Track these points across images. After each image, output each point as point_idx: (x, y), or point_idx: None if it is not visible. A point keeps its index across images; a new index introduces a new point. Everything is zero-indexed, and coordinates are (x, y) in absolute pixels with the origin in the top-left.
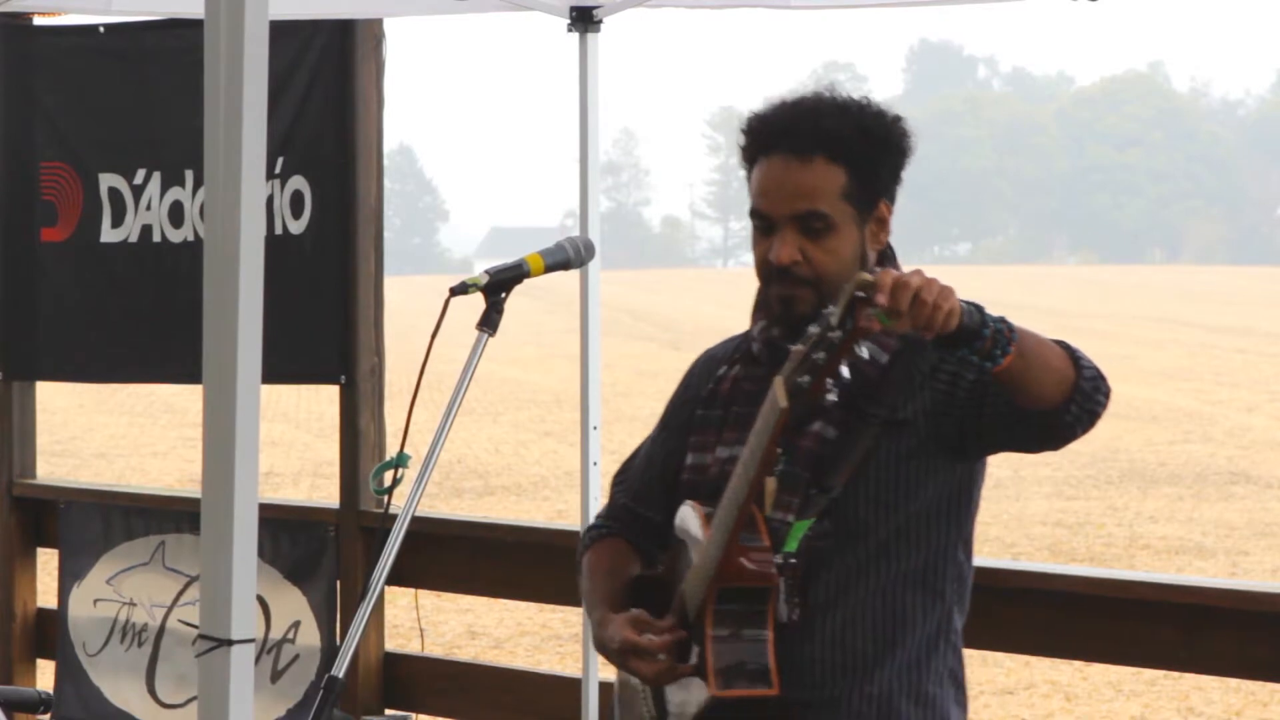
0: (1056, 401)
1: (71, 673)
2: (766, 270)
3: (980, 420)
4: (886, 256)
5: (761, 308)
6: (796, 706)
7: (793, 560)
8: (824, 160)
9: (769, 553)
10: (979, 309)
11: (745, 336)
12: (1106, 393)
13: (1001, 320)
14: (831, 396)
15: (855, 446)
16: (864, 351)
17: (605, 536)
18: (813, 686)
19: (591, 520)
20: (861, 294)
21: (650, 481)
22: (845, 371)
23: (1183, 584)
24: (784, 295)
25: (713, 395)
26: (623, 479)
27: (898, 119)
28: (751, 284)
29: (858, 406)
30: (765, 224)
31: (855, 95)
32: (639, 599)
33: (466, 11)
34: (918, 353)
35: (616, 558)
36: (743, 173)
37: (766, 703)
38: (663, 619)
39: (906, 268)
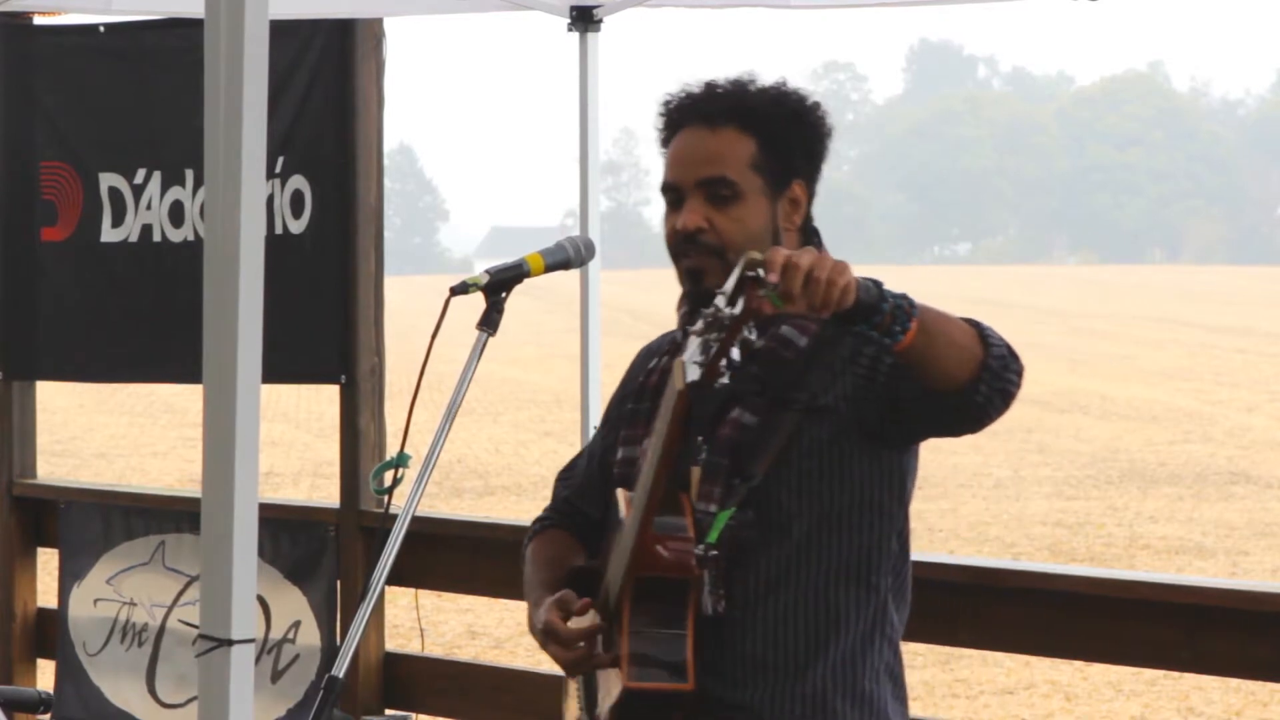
0: (964, 381)
1: (71, 673)
2: (674, 241)
3: (898, 404)
4: (812, 241)
5: (686, 295)
6: (727, 705)
7: (714, 552)
8: (734, 130)
9: (689, 543)
10: (877, 284)
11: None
12: (1018, 371)
13: (903, 296)
14: (724, 380)
15: (776, 433)
16: (752, 334)
17: (549, 528)
18: (746, 685)
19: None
20: (751, 273)
21: (590, 477)
22: (735, 354)
23: (1183, 584)
24: (691, 267)
25: (642, 388)
26: (567, 476)
27: (817, 104)
28: None
29: (778, 392)
30: (675, 196)
31: (776, 79)
32: (577, 590)
33: (466, 11)
34: (838, 337)
35: (559, 547)
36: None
37: (684, 698)
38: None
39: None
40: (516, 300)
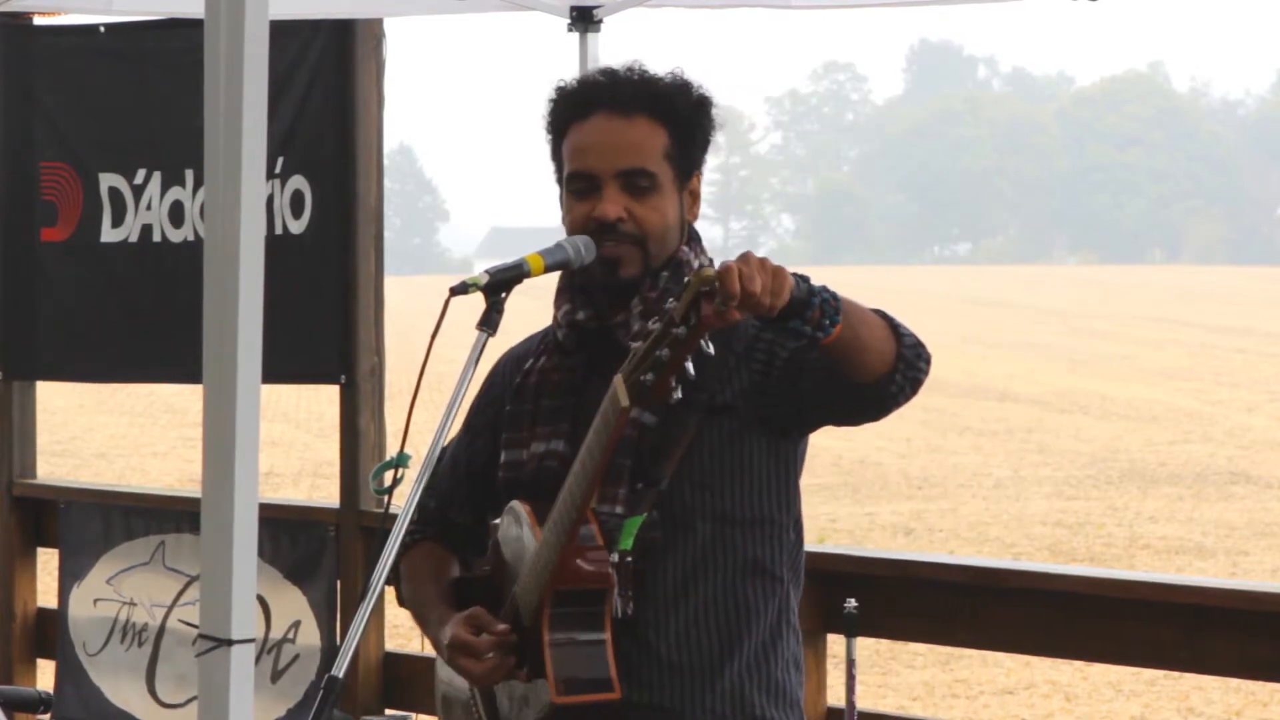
0: (880, 372)
1: (71, 673)
2: (588, 229)
3: (800, 396)
4: (693, 235)
5: (565, 291)
6: (645, 709)
7: (629, 559)
8: (646, 118)
9: (604, 551)
10: (805, 279)
11: (550, 328)
12: (928, 359)
13: (825, 289)
14: (677, 394)
15: (678, 435)
16: (710, 347)
17: (420, 541)
18: (663, 689)
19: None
20: (706, 289)
21: (458, 484)
22: (690, 368)
23: (1183, 584)
24: (608, 256)
25: (521, 390)
26: (430, 484)
27: (710, 96)
28: None
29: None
30: (588, 184)
31: (668, 68)
32: (465, 602)
33: (466, 11)
34: (731, 334)
35: (436, 561)
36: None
37: (608, 708)
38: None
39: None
40: (516, 300)
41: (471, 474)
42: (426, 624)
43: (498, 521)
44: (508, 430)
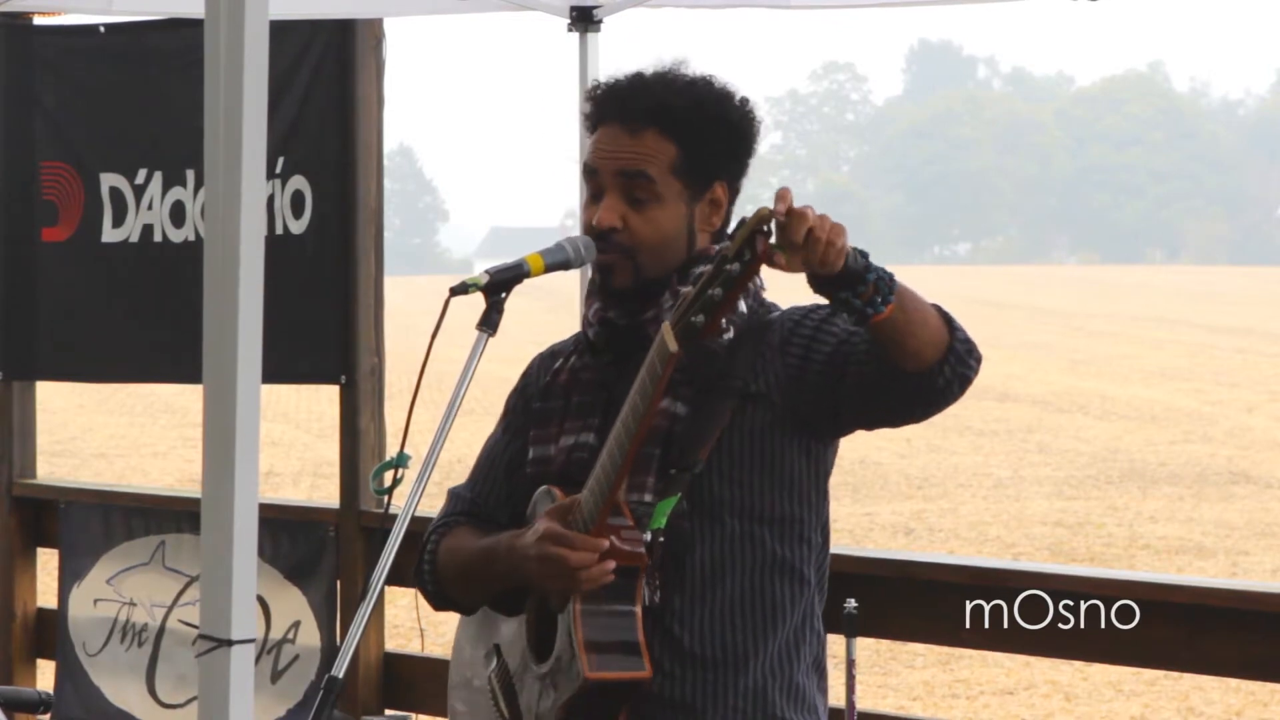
0: (930, 361)
1: (71, 673)
2: (589, 234)
3: (841, 389)
4: (726, 235)
5: (595, 291)
6: (664, 702)
7: (661, 539)
8: (655, 133)
9: (637, 530)
10: (864, 255)
11: (582, 329)
12: (978, 359)
13: (884, 270)
14: (728, 335)
15: (710, 422)
16: (761, 285)
17: (454, 526)
18: (684, 681)
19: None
20: (764, 227)
21: (495, 482)
22: (743, 306)
23: (1183, 584)
24: (601, 263)
25: (550, 387)
26: (469, 478)
27: (744, 100)
28: None
29: (708, 380)
30: (594, 186)
31: (701, 73)
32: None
33: (466, 11)
34: (766, 327)
35: (475, 531)
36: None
37: (635, 689)
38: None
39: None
40: (516, 300)
41: (510, 473)
42: (492, 558)
43: (531, 508)
44: (536, 427)
